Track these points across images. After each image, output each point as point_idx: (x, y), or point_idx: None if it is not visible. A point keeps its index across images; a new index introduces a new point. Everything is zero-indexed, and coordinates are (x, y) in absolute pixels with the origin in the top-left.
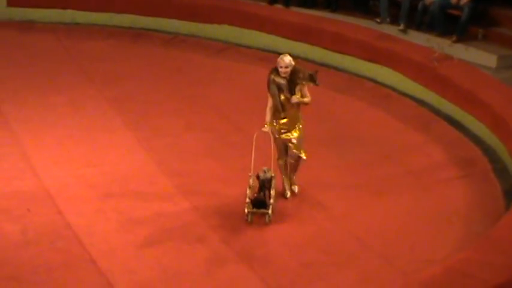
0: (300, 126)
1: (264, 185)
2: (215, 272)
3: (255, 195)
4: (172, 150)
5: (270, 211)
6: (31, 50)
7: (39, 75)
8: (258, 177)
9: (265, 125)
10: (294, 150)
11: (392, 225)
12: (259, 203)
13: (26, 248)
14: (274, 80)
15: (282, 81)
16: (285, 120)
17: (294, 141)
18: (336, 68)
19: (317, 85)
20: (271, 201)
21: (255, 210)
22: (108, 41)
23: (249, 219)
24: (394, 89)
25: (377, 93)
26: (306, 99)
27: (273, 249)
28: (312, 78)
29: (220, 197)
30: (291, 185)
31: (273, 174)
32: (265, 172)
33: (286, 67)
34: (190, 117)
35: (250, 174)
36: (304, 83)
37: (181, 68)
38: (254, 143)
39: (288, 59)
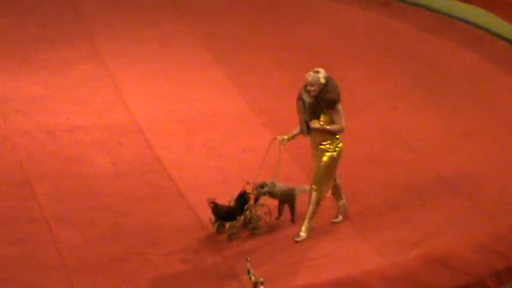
0: (326, 157)
1: (257, 199)
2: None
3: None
4: (262, 88)
5: (230, 227)
6: None
7: (132, 9)
8: (261, 186)
9: (285, 136)
10: (305, 186)
11: (481, 168)
12: (225, 215)
13: (117, 180)
14: (302, 96)
15: (308, 100)
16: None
17: (317, 171)
18: (427, 8)
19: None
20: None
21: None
22: None
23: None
24: (487, 31)
25: (470, 34)
26: (331, 127)
27: (360, 188)
28: (329, 106)
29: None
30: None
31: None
32: (262, 187)
33: (312, 85)
34: (280, 55)
35: (250, 182)
36: (324, 110)
37: (273, 6)
38: (268, 149)
39: (312, 76)
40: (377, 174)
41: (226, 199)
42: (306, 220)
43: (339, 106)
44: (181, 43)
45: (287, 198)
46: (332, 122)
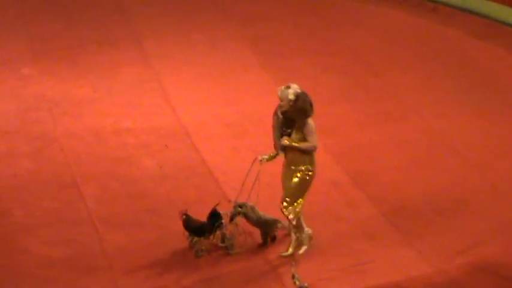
0: (300, 174)
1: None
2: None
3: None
4: (308, 92)
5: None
6: None
7: (180, 13)
8: (239, 205)
9: (265, 156)
10: (280, 203)
11: None
12: (196, 230)
13: (163, 183)
14: (276, 111)
15: (280, 116)
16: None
17: (286, 191)
18: (476, 13)
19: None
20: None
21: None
22: None
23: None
24: None
25: None
26: (301, 145)
27: (406, 194)
28: (299, 122)
29: (353, 139)
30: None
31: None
32: (240, 207)
33: (281, 100)
34: (327, 60)
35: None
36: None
37: (319, 10)
38: (249, 169)
39: (281, 91)
40: (424, 180)
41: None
42: (292, 242)
43: (310, 123)
44: (228, 47)
45: (262, 228)
46: (305, 140)
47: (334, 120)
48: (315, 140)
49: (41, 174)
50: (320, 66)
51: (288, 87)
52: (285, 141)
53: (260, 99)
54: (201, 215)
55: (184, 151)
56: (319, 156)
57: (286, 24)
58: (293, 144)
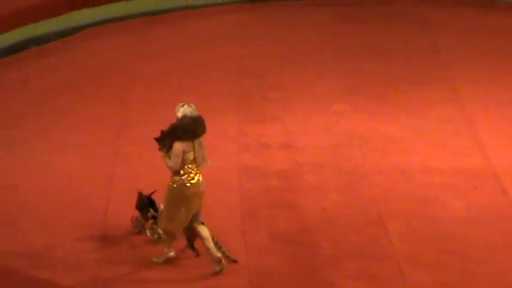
0: (167, 190)
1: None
2: None
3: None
4: None
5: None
6: (491, 29)
7: (493, 53)
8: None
9: None
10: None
11: None
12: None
13: (470, 225)
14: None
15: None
16: None
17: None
18: None
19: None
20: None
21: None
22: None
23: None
24: None
25: None
26: (166, 161)
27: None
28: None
29: None
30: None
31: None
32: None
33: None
34: None
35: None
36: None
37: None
38: None
39: (178, 106)
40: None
41: None
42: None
43: (177, 146)
44: None
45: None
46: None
47: None
48: (172, 162)
49: (348, 208)
50: None
51: (183, 105)
52: (162, 152)
53: None
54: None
55: (493, 194)
56: None
57: None
58: (163, 156)
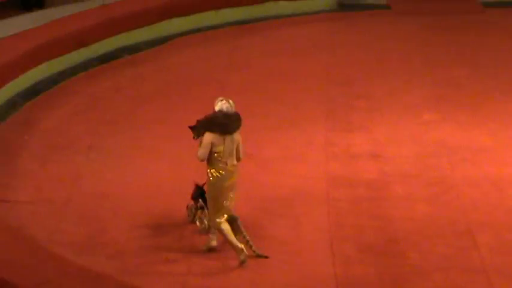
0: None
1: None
2: None
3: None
4: None
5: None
6: None
7: None
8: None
9: None
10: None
11: None
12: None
13: None
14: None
15: None
16: None
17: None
18: None
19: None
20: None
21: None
22: None
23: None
24: None
25: None
26: (198, 149)
27: None
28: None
29: None
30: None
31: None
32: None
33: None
34: None
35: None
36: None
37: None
38: None
39: (217, 99)
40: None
41: None
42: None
43: (207, 136)
44: None
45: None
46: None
47: None
48: (200, 151)
49: (436, 219)
50: None
51: (222, 100)
52: (196, 137)
53: None
54: None
55: None
56: None
57: None
58: (198, 143)
